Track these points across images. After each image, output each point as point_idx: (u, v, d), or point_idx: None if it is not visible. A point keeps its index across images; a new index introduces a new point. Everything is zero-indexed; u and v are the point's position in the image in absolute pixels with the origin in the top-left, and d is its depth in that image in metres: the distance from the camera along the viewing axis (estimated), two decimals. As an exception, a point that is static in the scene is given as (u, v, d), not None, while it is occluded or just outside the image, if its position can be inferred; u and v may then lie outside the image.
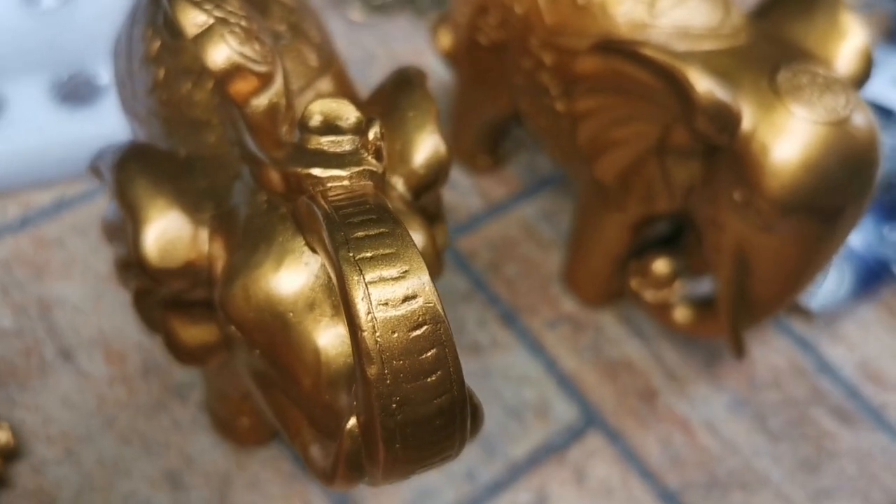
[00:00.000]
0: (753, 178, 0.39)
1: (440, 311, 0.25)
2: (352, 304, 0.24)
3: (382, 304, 0.24)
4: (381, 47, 0.64)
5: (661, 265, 0.47)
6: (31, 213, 0.53)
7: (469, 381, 0.49)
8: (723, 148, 0.40)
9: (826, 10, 0.43)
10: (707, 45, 0.41)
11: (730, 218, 0.41)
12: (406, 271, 0.25)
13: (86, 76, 0.54)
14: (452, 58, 0.53)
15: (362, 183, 0.27)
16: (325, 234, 0.25)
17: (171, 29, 0.34)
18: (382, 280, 0.24)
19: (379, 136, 0.28)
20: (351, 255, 0.25)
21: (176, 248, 0.31)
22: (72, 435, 0.45)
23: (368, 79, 0.61)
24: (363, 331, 0.24)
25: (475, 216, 0.57)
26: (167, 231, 0.31)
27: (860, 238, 0.56)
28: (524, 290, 0.54)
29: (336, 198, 0.26)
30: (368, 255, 0.25)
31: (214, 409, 0.45)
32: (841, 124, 0.38)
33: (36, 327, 0.49)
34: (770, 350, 0.53)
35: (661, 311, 0.48)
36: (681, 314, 0.48)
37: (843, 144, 0.38)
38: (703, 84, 0.38)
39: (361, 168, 0.27)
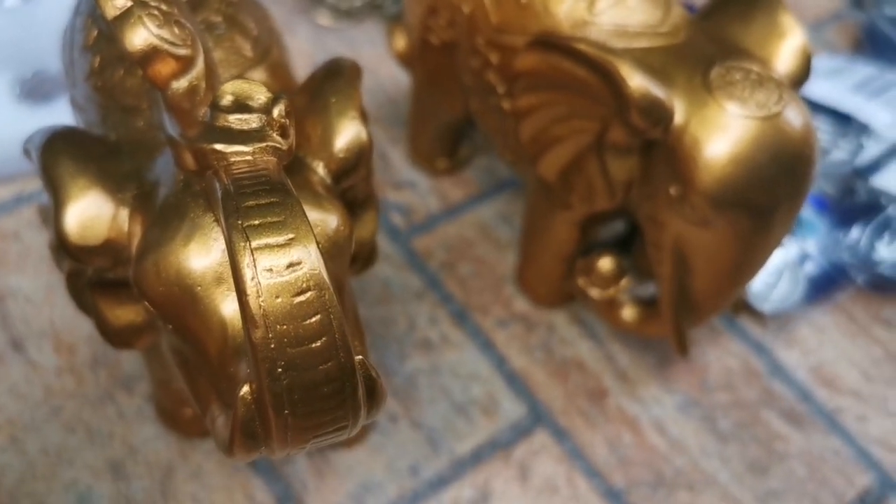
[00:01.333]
0: (686, 172, 0.39)
1: (324, 278, 0.25)
2: (238, 269, 0.25)
3: (267, 270, 0.25)
4: (347, 51, 0.65)
5: (605, 263, 0.47)
6: (-9, 207, 0.54)
7: (418, 378, 0.49)
8: (658, 143, 0.40)
9: (765, 11, 0.43)
10: (644, 43, 0.42)
11: (668, 214, 0.42)
12: (292, 239, 0.25)
13: (48, 74, 0.55)
14: (406, 60, 0.54)
15: (266, 158, 0.27)
16: (220, 205, 0.26)
17: (105, 22, 0.34)
18: (268, 247, 0.25)
19: (283, 113, 0.28)
20: (239, 222, 0.25)
21: (95, 227, 0.31)
22: (18, 423, 0.46)
23: (333, 82, 0.61)
24: (247, 295, 0.25)
25: (432, 217, 0.57)
26: (87, 209, 0.31)
27: (816, 243, 0.56)
28: (477, 289, 0.54)
29: (238, 172, 0.27)
30: (256, 222, 0.25)
31: (159, 399, 0.45)
32: (772, 119, 0.39)
33: (-12, 318, 0.49)
34: (723, 352, 0.53)
35: (608, 310, 0.48)
36: (627, 313, 0.48)
37: (775, 140, 0.39)
38: (635, 79, 0.38)
39: (265, 144, 0.27)
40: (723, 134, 0.39)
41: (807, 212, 0.57)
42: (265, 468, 0.46)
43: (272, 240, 0.25)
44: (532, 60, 0.42)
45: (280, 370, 0.25)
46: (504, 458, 0.48)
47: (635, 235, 0.50)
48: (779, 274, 0.54)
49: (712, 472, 0.48)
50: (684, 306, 0.45)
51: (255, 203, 0.25)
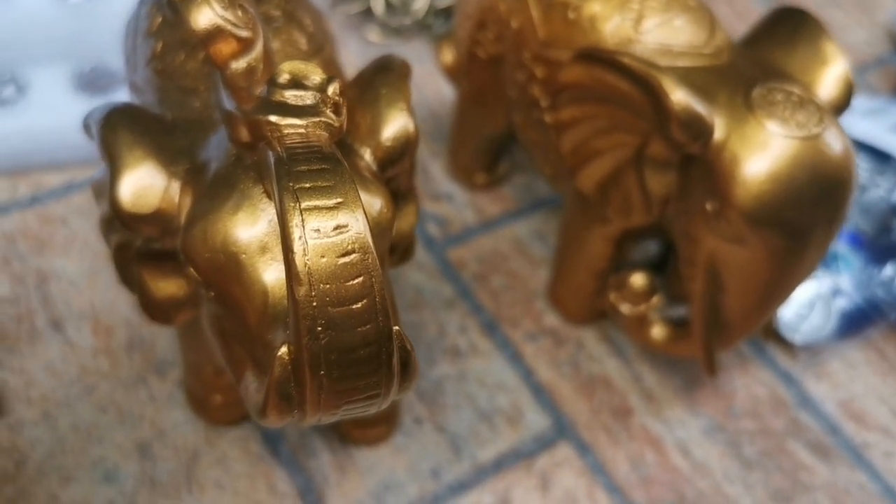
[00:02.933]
0: (724, 188, 0.40)
1: (369, 242, 0.26)
2: (286, 228, 0.26)
3: (314, 231, 0.26)
4: (394, 67, 0.67)
5: (638, 279, 0.47)
6: (41, 192, 0.56)
7: (445, 384, 0.50)
8: (697, 159, 0.41)
9: (809, 38, 0.44)
10: (687, 62, 0.42)
11: (703, 230, 0.42)
12: (340, 203, 0.26)
13: (106, 68, 0.57)
14: (453, 73, 0.55)
15: (318, 133, 0.28)
16: (272, 170, 0.27)
17: (171, 4, 0.36)
18: (317, 209, 0.26)
19: (337, 91, 0.29)
20: (291, 184, 0.26)
21: (148, 196, 0.32)
22: (51, 399, 0.47)
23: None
24: (294, 253, 0.26)
25: (468, 229, 0.58)
26: (141, 179, 0.32)
27: (850, 278, 0.56)
28: (508, 302, 0.54)
29: (291, 142, 0.28)
30: (307, 185, 0.26)
31: (190, 384, 0.46)
32: (812, 140, 0.39)
33: (31, 297, 0.51)
34: (752, 380, 0.53)
35: (637, 327, 0.49)
36: (656, 331, 0.48)
37: (814, 160, 0.39)
38: (677, 93, 0.39)
39: (318, 119, 0.28)
40: (762, 152, 0.39)
41: (842, 247, 0.57)
42: (288, 460, 0.46)
43: (321, 202, 0.26)
44: (576, 73, 0.43)
45: (320, 329, 0.26)
46: (526, 467, 0.48)
47: (669, 258, 0.51)
48: (811, 306, 0.54)
49: (735, 497, 0.48)
50: (715, 326, 0.45)
51: (306, 168, 0.26)
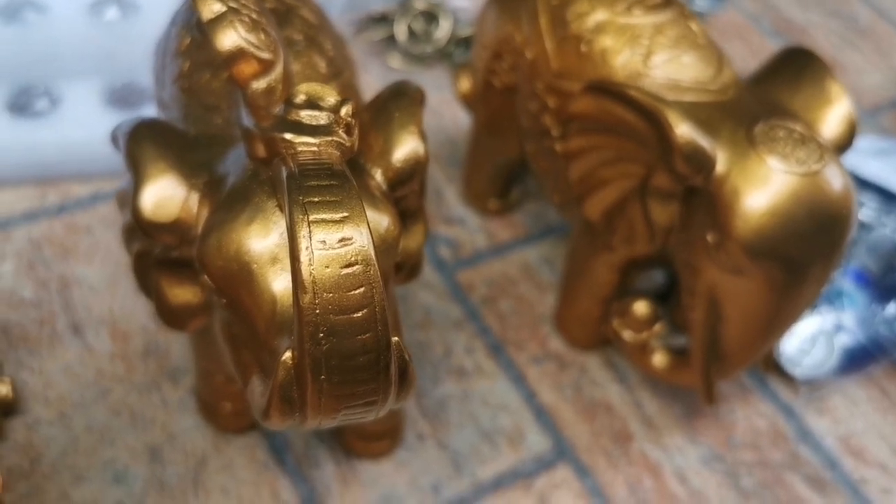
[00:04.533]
0: (724, 219, 0.41)
1: (371, 254, 0.28)
2: (294, 238, 0.27)
3: (320, 242, 0.27)
4: (414, 94, 0.69)
5: (641, 306, 0.49)
6: (69, 201, 0.58)
7: (449, 402, 0.51)
8: (699, 191, 0.42)
9: (814, 78, 0.45)
10: (693, 97, 0.44)
11: (704, 261, 0.43)
12: (346, 217, 0.28)
13: (136, 85, 0.59)
14: (469, 101, 0.57)
15: (330, 151, 0.30)
16: (284, 184, 0.28)
17: (200, 26, 0.38)
18: (324, 222, 0.27)
19: (350, 113, 0.31)
20: (300, 198, 0.28)
21: (168, 206, 0.34)
22: (68, 400, 0.48)
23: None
24: (300, 262, 0.27)
25: (479, 253, 0.59)
26: (163, 190, 0.34)
27: (854, 315, 0.56)
28: (515, 325, 0.56)
29: (303, 159, 0.29)
30: (315, 199, 0.28)
31: (201, 392, 0.47)
32: (812, 177, 0.40)
33: (53, 301, 0.53)
34: (753, 412, 0.54)
35: (639, 354, 0.50)
36: (658, 359, 0.49)
37: (813, 196, 0.40)
38: (682, 126, 0.41)
39: (330, 138, 0.30)
40: (762, 186, 0.40)
41: (847, 284, 0.58)
42: (293, 469, 0.48)
43: (328, 216, 0.27)
44: (586, 104, 0.45)
45: (322, 335, 0.27)
46: (525, 487, 0.49)
47: (673, 288, 0.52)
48: (813, 341, 0.55)
49: (730, 526, 0.48)
50: (714, 356, 0.46)
51: (316, 183, 0.28)
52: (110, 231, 0.56)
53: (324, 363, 0.28)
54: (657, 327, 0.49)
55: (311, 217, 0.27)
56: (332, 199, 0.28)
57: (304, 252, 0.27)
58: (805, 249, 0.41)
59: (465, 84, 0.57)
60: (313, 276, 0.27)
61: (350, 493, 0.47)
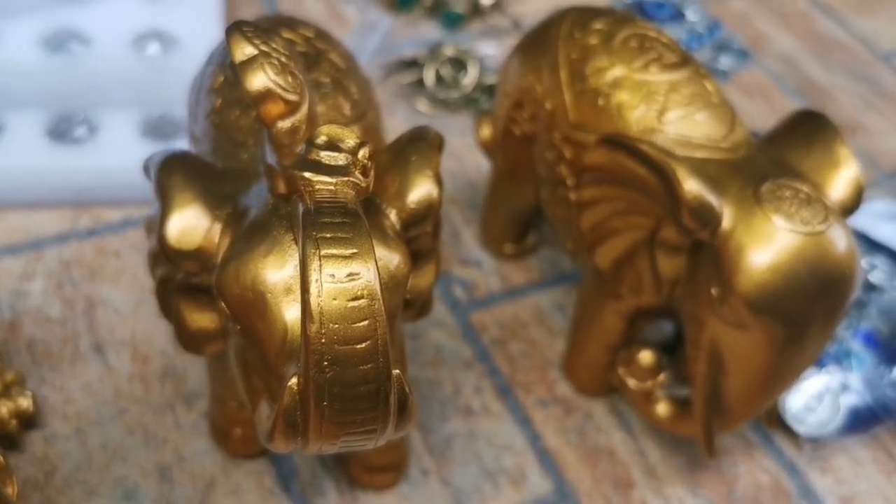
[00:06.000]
0: (728, 274, 0.42)
1: (377, 289, 0.29)
2: (306, 271, 0.29)
3: (330, 276, 0.29)
4: (438, 137, 0.71)
5: (645, 356, 0.49)
6: (100, 225, 0.60)
7: (454, 440, 0.52)
8: (705, 245, 0.43)
9: (824, 141, 0.46)
10: (704, 154, 0.45)
11: (707, 314, 0.44)
12: (355, 253, 0.29)
13: (171, 117, 0.62)
14: (489, 148, 0.58)
15: (346, 190, 0.32)
16: (300, 219, 0.30)
17: (232, 67, 0.40)
18: (334, 257, 0.29)
19: (367, 155, 0.33)
20: (314, 233, 0.29)
21: (192, 234, 0.36)
22: (85, 417, 0.50)
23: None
24: (310, 294, 0.29)
25: (492, 295, 0.60)
26: (188, 219, 0.36)
27: (861, 376, 0.57)
28: (524, 368, 0.57)
29: (320, 197, 0.31)
30: (328, 235, 0.29)
31: (214, 416, 0.49)
32: (815, 237, 0.41)
33: (78, 320, 0.55)
34: (755, 467, 0.54)
35: (643, 402, 0.50)
36: (661, 408, 0.50)
37: (816, 256, 0.41)
38: (690, 182, 0.42)
39: (347, 179, 0.32)
40: (766, 243, 0.41)
41: (857, 345, 0.58)
42: (298, 496, 0.49)
43: (338, 251, 0.29)
44: (599, 156, 0.46)
45: (326, 363, 0.29)
46: (524, 529, 0.49)
47: (681, 340, 0.53)
48: (819, 399, 0.55)
49: (727, 580, 0.48)
50: (716, 408, 0.46)
51: (329, 221, 0.30)
52: (138, 256, 0.58)
53: (327, 390, 0.29)
54: (661, 377, 0.50)
55: (323, 252, 0.29)
56: (344, 236, 0.29)
57: (313, 284, 0.29)
58: (806, 307, 0.42)
59: (486, 131, 0.58)
60: (321, 307, 0.29)
61: (352, 522, 0.48)
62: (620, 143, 0.45)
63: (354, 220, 0.30)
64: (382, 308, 0.29)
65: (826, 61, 0.86)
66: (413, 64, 0.75)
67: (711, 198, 0.42)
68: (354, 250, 0.29)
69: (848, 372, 0.57)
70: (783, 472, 0.54)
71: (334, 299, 0.29)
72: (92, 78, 0.62)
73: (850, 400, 0.56)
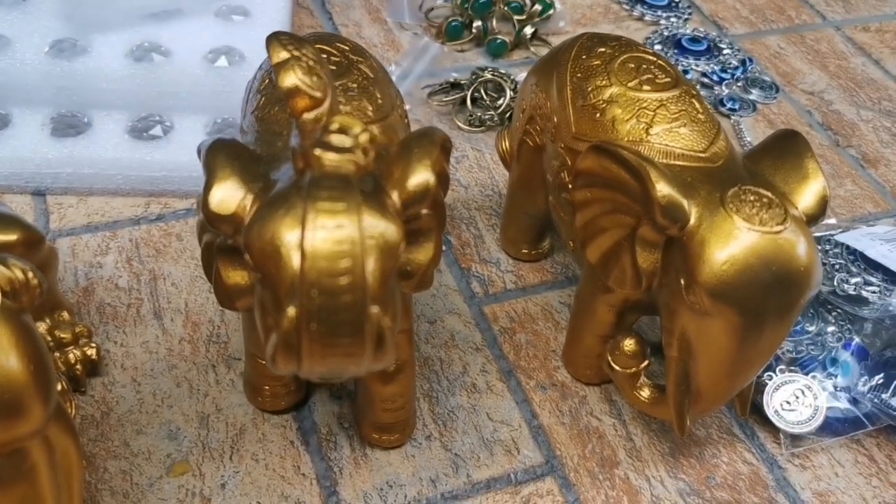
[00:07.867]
0: (692, 266, 0.48)
1: (357, 237, 0.36)
2: (304, 219, 0.36)
3: (322, 224, 0.36)
4: (473, 151, 0.78)
5: (629, 343, 0.55)
6: (167, 212, 0.69)
7: (458, 412, 0.58)
8: (676, 241, 0.49)
9: (796, 155, 0.52)
10: (685, 163, 0.51)
11: (678, 303, 0.50)
12: (345, 208, 0.36)
13: (234, 122, 0.71)
14: (507, 158, 0.65)
15: (347, 166, 0.39)
16: (307, 183, 0.38)
17: (271, 68, 0.48)
18: (326, 210, 0.36)
19: (367, 140, 0.40)
20: (315, 192, 0.37)
21: (229, 202, 0.43)
22: (140, 370, 0.58)
23: (456, 173, 0.74)
24: (305, 238, 0.36)
25: (507, 291, 0.67)
26: (226, 190, 0.44)
27: (843, 382, 0.61)
28: (528, 356, 0.63)
29: (324, 169, 0.39)
30: (324, 194, 0.37)
31: (247, 373, 0.56)
32: (770, 236, 0.47)
33: (142, 290, 0.63)
34: (737, 457, 0.58)
35: (628, 386, 0.56)
36: (644, 393, 0.55)
37: (770, 253, 0.47)
38: (661, 183, 0.48)
39: (349, 157, 0.39)
40: (726, 239, 0.47)
41: (844, 354, 0.62)
42: (315, 448, 0.56)
43: (329, 206, 0.36)
44: (589, 162, 0.52)
45: (315, 292, 0.36)
46: (512, 493, 0.55)
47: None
48: (798, 397, 0.59)
49: (696, 553, 0.53)
50: (687, 391, 0.52)
51: (328, 184, 0.37)
52: (196, 239, 0.67)
53: (315, 315, 0.36)
54: (645, 363, 0.55)
55: (318, 206, 0.36)
56: (336, 195, 0.37)
57: (308, 229, 0.36)
58: (760, 298, 0.47)
59: (505, 144, 0.65)
60: (312, 247, 0.36)
61: (360, 474, 0.55)
62: (606, 149, 0.51)
63: (347, 185, 0.37)
64: (363, 252, 0.36)
65: (855, 97, 0.90)
66: (456, 85, 0.82)
67: (681, 198, 0.48)
68: (344, 206, 0.37)
69: (833, 378, 0.61)
70: (763, 465, 0.58)
71: (324, 241, 0.36)
72: (169, 85, 0.72)
73: (831, 404, 0.60)
